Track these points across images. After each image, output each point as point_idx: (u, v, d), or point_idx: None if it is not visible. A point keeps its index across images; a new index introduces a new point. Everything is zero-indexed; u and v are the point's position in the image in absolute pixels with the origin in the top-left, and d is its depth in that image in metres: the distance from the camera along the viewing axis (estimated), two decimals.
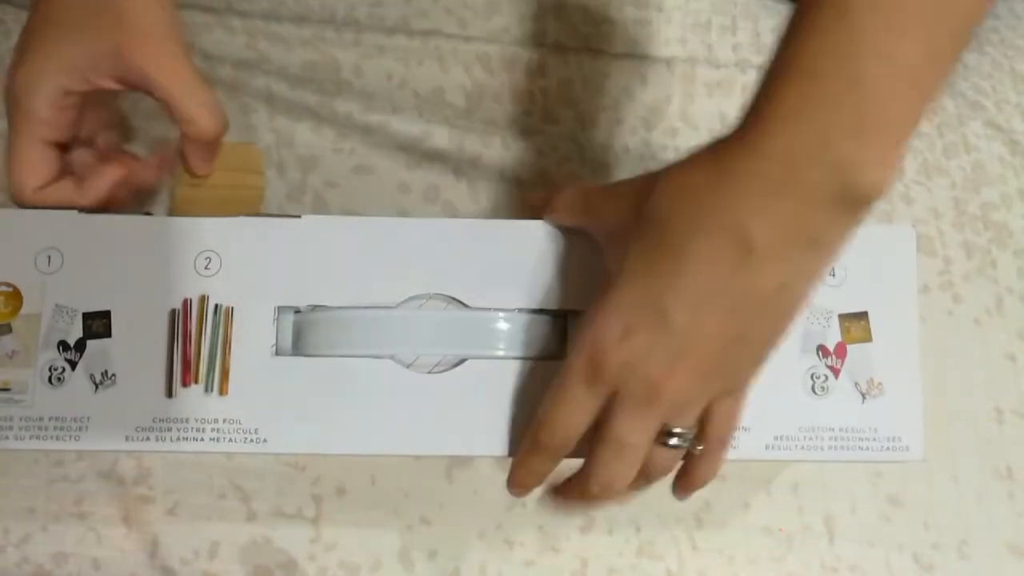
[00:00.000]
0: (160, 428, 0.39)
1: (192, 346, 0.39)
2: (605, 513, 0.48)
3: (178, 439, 0.39)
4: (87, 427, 0.39)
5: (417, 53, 0.52)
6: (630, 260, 0.34)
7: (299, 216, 0.41)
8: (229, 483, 0.47)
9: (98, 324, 0.39)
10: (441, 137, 0.51)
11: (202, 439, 0.39)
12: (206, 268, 0.40)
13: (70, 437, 0.39)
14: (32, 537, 0.46)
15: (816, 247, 0.32)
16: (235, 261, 0.40)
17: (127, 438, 0.39)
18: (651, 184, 0.35)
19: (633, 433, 0.35)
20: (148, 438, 0.39)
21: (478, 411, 0.39)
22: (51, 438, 0.39)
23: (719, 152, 0.33)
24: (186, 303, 0.39)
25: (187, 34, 0.51)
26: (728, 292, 0.33)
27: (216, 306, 0.39)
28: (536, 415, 0.36)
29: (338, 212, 0.50)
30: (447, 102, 0.52)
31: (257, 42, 0.51)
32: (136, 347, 0.39)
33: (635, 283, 0.34)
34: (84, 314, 0.39)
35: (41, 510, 0.46)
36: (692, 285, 0.33)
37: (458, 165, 0.51)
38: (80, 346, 0.39)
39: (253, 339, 0.39)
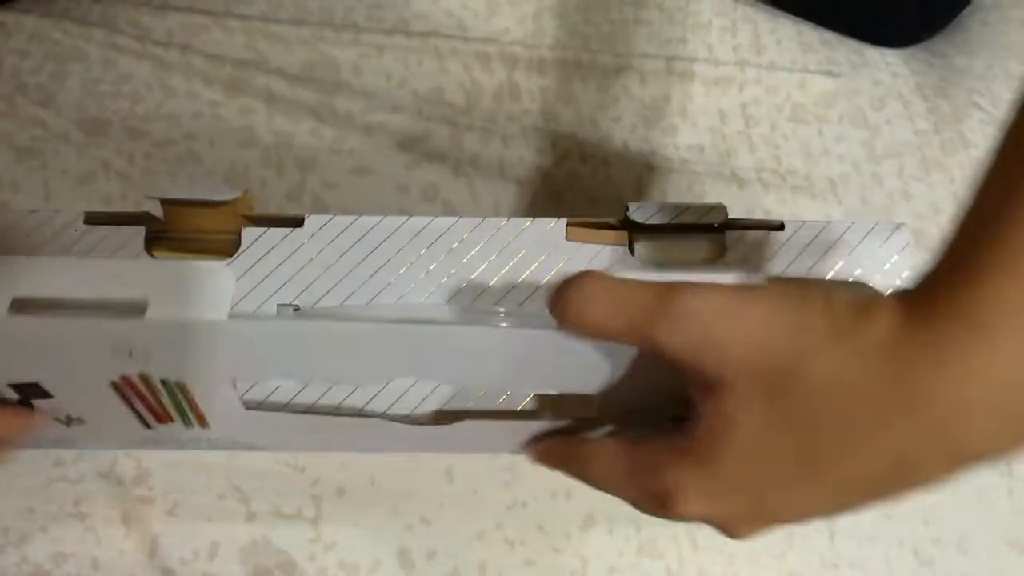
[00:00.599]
0: (154, 441, 0.38)
1: (153, 403, 0.35)
2: (605, 512, 0.48)
3: (173, 448, 0.38)
4: (78, 443, 0.38)
5: (416, 53, 0.52)
6: (740, 431, 0.27)
7: (228, 260, 0.33)
8: (229, 483, 0.47)
9: (32, 390, 0.34)
10: (441, 137, 0.51)
11: (199, 447, 0.38)
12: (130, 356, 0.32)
13: (66, 447, 0.38)
14: (31, 537, 0.46)
15: (971, 467, 0.26)
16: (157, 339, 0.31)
17: (121, 447, 0.38)
18: (785, 343, 0.26)
19: (637, 505, 0.32)
20: (145, 447, 0.38)
21: (477, 433, 0.38)
22: (48, 446, 0.38)
23: (898, 349, 0.25)
24: (126, 380, 0.33)
25: (186, 35, 0.51)
26: (841, 508, 0.28)
27: (163, 381, 0.33)
28: (581, 439, 0.35)
29: (338, 212, 0.50)
30: (447, 102, 0.52)
31: (256, 42, 0.51)
32: (87, 406, 0.35)
33: (741, 462, 0.27)
34: (11, 385, 0.34)
35: (41, 510, 0.46)
36: (813, 500, 0.28)
37: (457, 164, 0.51)
38: (27, 405, 0.35)
39: (216, 400, 0.35)
